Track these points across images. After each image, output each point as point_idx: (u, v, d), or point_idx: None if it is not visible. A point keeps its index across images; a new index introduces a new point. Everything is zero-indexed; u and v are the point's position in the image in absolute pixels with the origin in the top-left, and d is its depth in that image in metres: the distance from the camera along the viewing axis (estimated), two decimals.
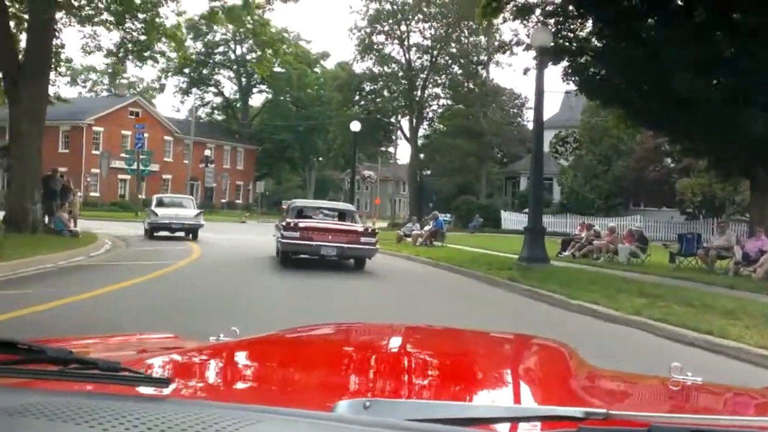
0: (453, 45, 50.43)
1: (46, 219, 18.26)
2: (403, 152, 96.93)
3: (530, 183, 17.29)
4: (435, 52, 50.35)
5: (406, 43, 50.98)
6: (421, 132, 52.98)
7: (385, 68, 52.08)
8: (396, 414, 1.02)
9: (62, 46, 21.90)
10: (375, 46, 51.50)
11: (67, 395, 1.06)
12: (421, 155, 52.78)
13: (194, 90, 75.60)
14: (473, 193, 46.40)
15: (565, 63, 17.88)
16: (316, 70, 76.97)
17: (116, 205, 52.12)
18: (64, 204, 18.89)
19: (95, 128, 56.08)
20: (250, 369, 1.83)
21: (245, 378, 1.71)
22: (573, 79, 17.86)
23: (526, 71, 18.85)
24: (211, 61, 73.83)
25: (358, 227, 15.75)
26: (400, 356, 2.11)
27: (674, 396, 1.74)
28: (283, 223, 15.37)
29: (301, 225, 14.97)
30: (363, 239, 14.95)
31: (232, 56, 74.87)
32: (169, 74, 74.75)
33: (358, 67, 53.38)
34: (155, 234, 23.64)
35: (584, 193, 40.23)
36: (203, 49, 72.91)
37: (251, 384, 1.67)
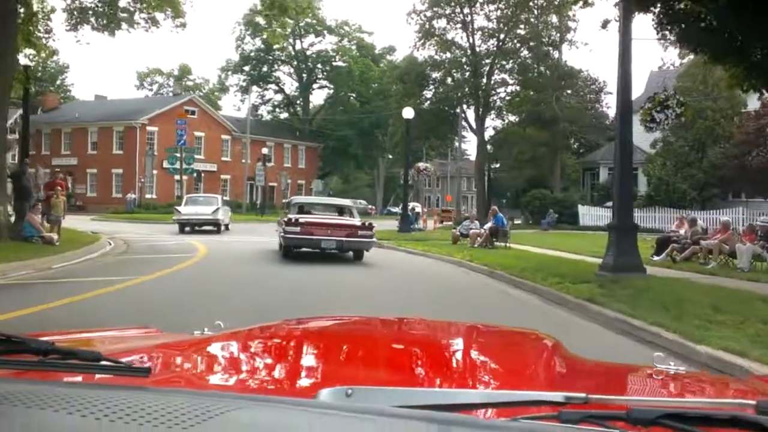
0: (521, 26, 45.97)
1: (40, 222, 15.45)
2: (470, 146, 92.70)
3: (614, 172, 13.02)
4: (502, 35, 45.99)
5: (470, 27, 46.83)
6: (488, 123, 48.72)
7: (448, 54, 48.04)
8: (378, 401, 1.03)
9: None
10: (436, 32, 47.52)
11: (46, 384, 1.07)
12: (489, 147, 48.52)
13: (254, 88, 73.61)
14: (546, 187, 41.91)
15: (656, 10, 13.65)
16: (382, 65, 73.36)
17: (173, 206, 49.69)
18: (36, 205, 15.88)
19: (149, 128, 54.25)
20: (232, 360, 1.82)
21: (227, 368, 1.71)
22: (670, 28, 13.60)
23: (605, 24, 14.78)
24: (270, 57, 71.48)
25: (356, 222, 16.74)
26: (385, 346, 2.10)
27: (655, 382, 1.81)
28: (285, 219, 16.14)
29: (301, 220, 15.83)
30: (360, 233, 16.00)
31: (292, 51, 72.30)
32: (229, 72, 73.14)
33: (420, 55, 49.53)
34: (184, 230, 27.02)
35: (675, 183, 35.22)
36: (262, 46, 70.70)
37: (233, 374, 1.66)
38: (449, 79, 48.96)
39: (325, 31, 71.82)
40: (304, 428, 0.95)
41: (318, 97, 79.43)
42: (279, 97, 75.65)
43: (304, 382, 1.58)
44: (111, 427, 0.89)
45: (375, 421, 0.94)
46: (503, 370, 1.86)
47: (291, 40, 71.43)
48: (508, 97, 47.12)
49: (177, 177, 54.84)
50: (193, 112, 57.61)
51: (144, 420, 0.89)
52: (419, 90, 49.38)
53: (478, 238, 20.90)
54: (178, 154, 39.73)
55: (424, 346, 2.14)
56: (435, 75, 49.32)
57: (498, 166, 50.93)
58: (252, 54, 71.21)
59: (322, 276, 12.97)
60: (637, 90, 41.08)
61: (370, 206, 69.76)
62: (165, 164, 52.80)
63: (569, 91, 46.48)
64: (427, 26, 47.16)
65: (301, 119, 73.47)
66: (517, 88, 45.75)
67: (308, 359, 1.90)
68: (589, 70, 70.19)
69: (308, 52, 72.59)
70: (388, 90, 68.55)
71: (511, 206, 43.81)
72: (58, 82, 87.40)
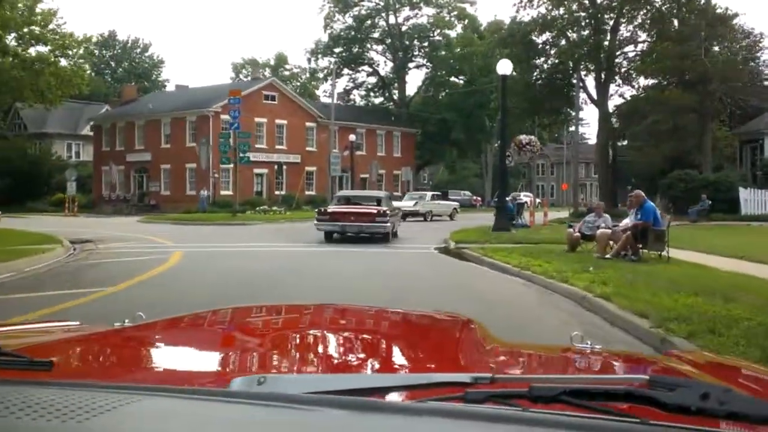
0: None
1: None
2: (588, 129, 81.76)
3: None
4: None
5: None
6: (611, 91, 39.63)
7: (561, 10, 39.37)
8: (291, 388, 1.03)
9: None
10: None
11: None
12: (614, 122, 39.44)
13: (345, 71, 67.28)
14: (693, 166, 32.60)
15: None
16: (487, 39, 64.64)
17: (248, 204, 43.80)
18: None
19: (223, 116, 48.52)
20: (144, 351, 1.81)
21: (136, 360, 1.69)
22: None
23: None
24: (361, 35, 64.73)
25: (373, 210, 19.54)
26: (302, 334, 2.12)
27: (565, 361, 1.87)
28: (318, 210, 20.91)
29: (329, 210, 20.14)
30: (377, 219, 19.14)
31: (385, 26, 65.20)
32: (319, 55, 67.09)
33: (527, 15, 41.08)
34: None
35: None
36: (353, 23, 64.16)
37: (142, 365, 1.66)
38: (563, 42, 40.32)
39: (422, 3, 64.21)
40: (214, 418, 0.94)
41: (415, 77, 72.30)
42: (372, 80, 68.81)
43: (216, 371, 1.56)
44: (2, 423, 0.87)
45: (285, 408, 0.94)
46: (417, 353, 1.88)
47: (384, 14, 64.50)
48: (638, 57, 37.77)
49: (258, 171, 49.86)
50: (273, 98, 51.85)
51: (37, 414, 0.88)
52: (527, 57, 41.11)
53: (611, 243, 12.99)
54: (232, 142, 33.29)
55: (343, 333, 2.12)
56: (545, 37, 40.84)
57: (626, 144, 41.63)
58: (342, 33, 64.75)
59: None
60: None
61: (474, 197, 62.02)
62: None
63: (719, 46, 36.60)
64: None
65: (397, 103, 66.40)
66: (652, 41, 36.17)
67: (224, 348, 1.85)
68: (741, 19, 58.01)
69: (403, 28, 65.31)
70: (494, 65, 60.09)
71: (646, 192, 34.67)
72: (153, 76, 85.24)
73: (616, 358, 1.99)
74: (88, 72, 58.01)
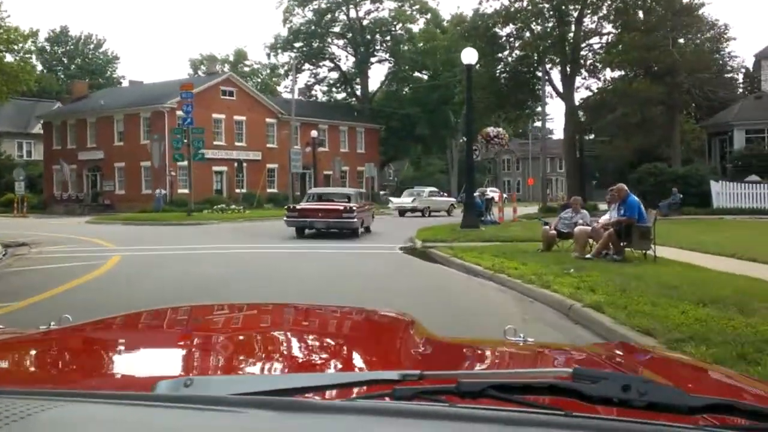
0: None
1: None
2: (554, 124, 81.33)
3: None
4: None
5: None
6: (577, 84, 38.82)
7: (525, 2, 38.42)
8: (219, 390, 1.02)
9: None
10: None
11: None
12: (581, 115, 38.64)
13: (306, 66, 65.69)
14: (662, 159, 31.88)
15: None
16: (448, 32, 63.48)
17: (207, 203, 42.08)
18: None
19: (179, 112, 46.60)
20: (67, 355, 1.74)
21: (58, 364, 1.64)
22: None
23: None
24: (322, 29, 63.12)
25: (340, 206, 19.94)
26: (230, 334, 2.04)
27: (494, 356, 1.84)
28: (288, 207, 21.94)
29: (298, 207, 20.73)
30: (344, 215, 19.57)
31: (346, 20, 63.70)
32: (279, 50, 65.32)
33: (489, 7, 40.05)
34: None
35: None
36: (313, 17, 62.55)
37: (64, 369, 1.60)
38: (527, 34, 39.38)
39: None
40: (138, 423, 0.92)
41: (378, 72, 70.92)
42: (334, 75, 67.27)
43: (141, 374, 1.50)
44: None
45: (212, 411, 0.93)
46: (348, 351, 1.86)
47: (344, 8, 63.02)
48: (603, 48, 36.96)
49: (217, 168, 48.12)
50: (231, 93, 50.10)
51: None
52: (491, 50, 40.12)
53: (591, 241, 11.90)
54: (186, 140, 31.61)
55: (273, 331, 2.09)
56: (509, 29, 39.85)
57: (592, 137, 40.86)
58: (302, 27, 63.09)
59: None
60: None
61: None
62: (208, 155, 46.15)
63: (684, 38, 35.95)
64: None
65: (359, 98, 65.05)
66: (617, 32, 35.33)
67: (150, 350, 1.82)
68: (706, 9, 57.47)
69: (364, 22, 63.92)
70: (457, 59, 59.10)
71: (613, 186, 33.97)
72: (108, 73, 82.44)
73: (544, 351, 1.96)
74: (36, 68, 55.69)
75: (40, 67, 79.10)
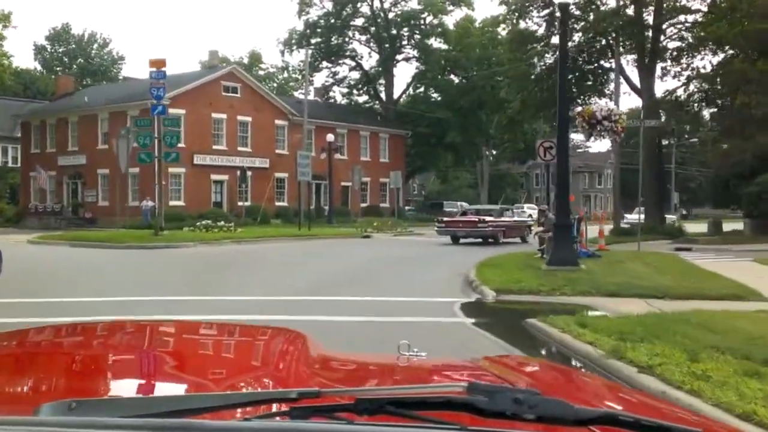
0: None
1: None
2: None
3: None
4: None
5: None
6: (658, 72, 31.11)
7: None
8: (105, 413, 0.99)
9: None
10: None
11: None
12: (661, 113, 30.83)
13: (324, 64, 58.56)
14: None
15: None
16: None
17: (204, 217, 34.61)
18: None
19: (173, 110, 39.45)
20: None
21: None
22: None
23: None
24: (341, 22, 56.00)
25: (474, 218, 24.87)
26: (119, 355, 1.98)
27: (391, 372, 1.84)
28: (437, 219, 27.25)
29: (444, 219, 26.48)
30: (479, 225, 24.29)
31: (369, 12, 56.46)
32: (293, 46, 58.26)
33: None
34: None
35: None
36: (332, 9, 55.49)
37: None
38: (591, 15, 31.85)
39: None
40: None
41: (404, 72, 63.52)
42: (355, 75, 60.02)
43: (24, 396, 1.46)
44: None
45: None
46: (243, 370, 1.82)
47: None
48: (693, 29, 29.20)
49: (216, 177, 41.04)
50: (234, 90, 42.97)
51: None
52: (546, 33, 32.75)
53: None
54: (156, 134, 24.25)
55: (164, 351, 2.01)
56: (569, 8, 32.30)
57: (674, 141, 33.03)
58: (320, 20, 56.05)
59: None
60: None
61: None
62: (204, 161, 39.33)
63: None
64: None
65: (383, 101, 57.71)
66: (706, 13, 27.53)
67: (33, 371, 1.72)
68: None
69: (390, 15, 56.71)
70: (496, 55, 51.76)
71: (714, 205, 26.08)
72: (113, 73, 76.08)
73: (439, 367, 1.96)
74: (13, 59, 49.35)
75: (35, 64, 73.43)
